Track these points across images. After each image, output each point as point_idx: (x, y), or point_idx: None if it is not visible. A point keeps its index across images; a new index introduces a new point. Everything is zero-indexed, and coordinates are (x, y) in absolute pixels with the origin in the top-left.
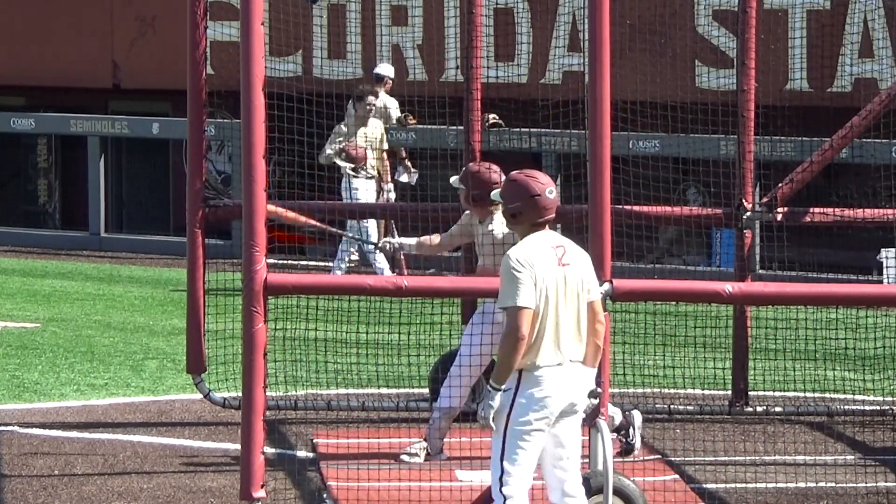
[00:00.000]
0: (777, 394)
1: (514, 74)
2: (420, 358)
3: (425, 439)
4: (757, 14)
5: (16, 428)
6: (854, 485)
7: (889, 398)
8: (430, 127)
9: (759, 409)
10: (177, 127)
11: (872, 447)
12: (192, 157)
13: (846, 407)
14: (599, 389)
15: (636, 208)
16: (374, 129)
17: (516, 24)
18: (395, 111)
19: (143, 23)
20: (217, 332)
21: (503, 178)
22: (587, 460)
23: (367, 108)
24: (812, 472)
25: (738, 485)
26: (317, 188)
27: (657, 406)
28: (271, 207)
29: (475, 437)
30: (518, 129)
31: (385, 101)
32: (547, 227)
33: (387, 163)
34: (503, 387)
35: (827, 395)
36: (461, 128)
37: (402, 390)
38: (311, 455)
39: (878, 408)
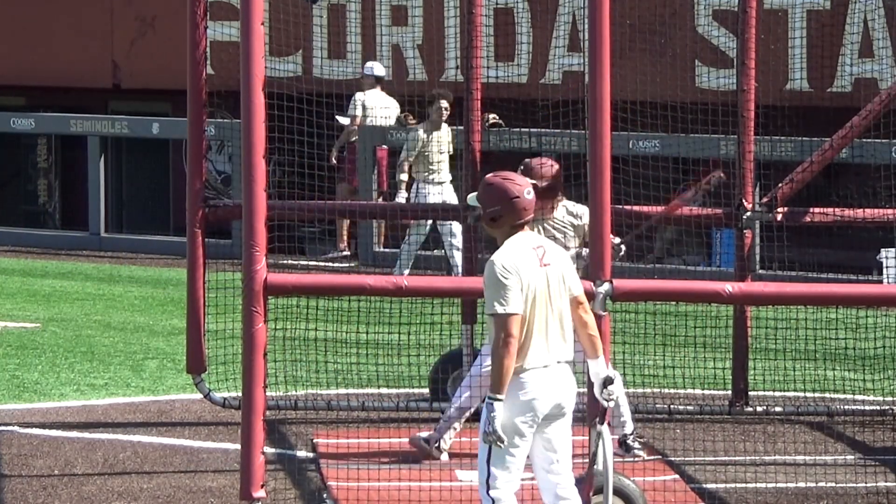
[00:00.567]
0: (777, 394)
1: (514, 74)
2: (420, 358)
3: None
4: (757, 14)
5: (16, 428)
6: (854, 485)
7: (889, 398)
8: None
9: (759, 409)
10: (177, 127)
11: (872, 447)
12: (192, 157)
13: (846, 407)
14: (613, 374)
15: (636, 208)
16: (445, 133)
17: (516, 24)
18: (395, 111)
19: (143, 23)
20: (217, 332)
21: (555, 167)
22: (581, 461)
23: (441, 111)
24: (812, 472)
25: (738, 485)
26: (317, 188)
27: (657, 406)
28: None
29: (475, 438)
30: (518, 129)
31: (386, 100)
32: (525, 227)
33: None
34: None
35: (827, 395)
36: (461, 128)
37: (402, 390)
38: (311, 455)
39: (878, 408)
